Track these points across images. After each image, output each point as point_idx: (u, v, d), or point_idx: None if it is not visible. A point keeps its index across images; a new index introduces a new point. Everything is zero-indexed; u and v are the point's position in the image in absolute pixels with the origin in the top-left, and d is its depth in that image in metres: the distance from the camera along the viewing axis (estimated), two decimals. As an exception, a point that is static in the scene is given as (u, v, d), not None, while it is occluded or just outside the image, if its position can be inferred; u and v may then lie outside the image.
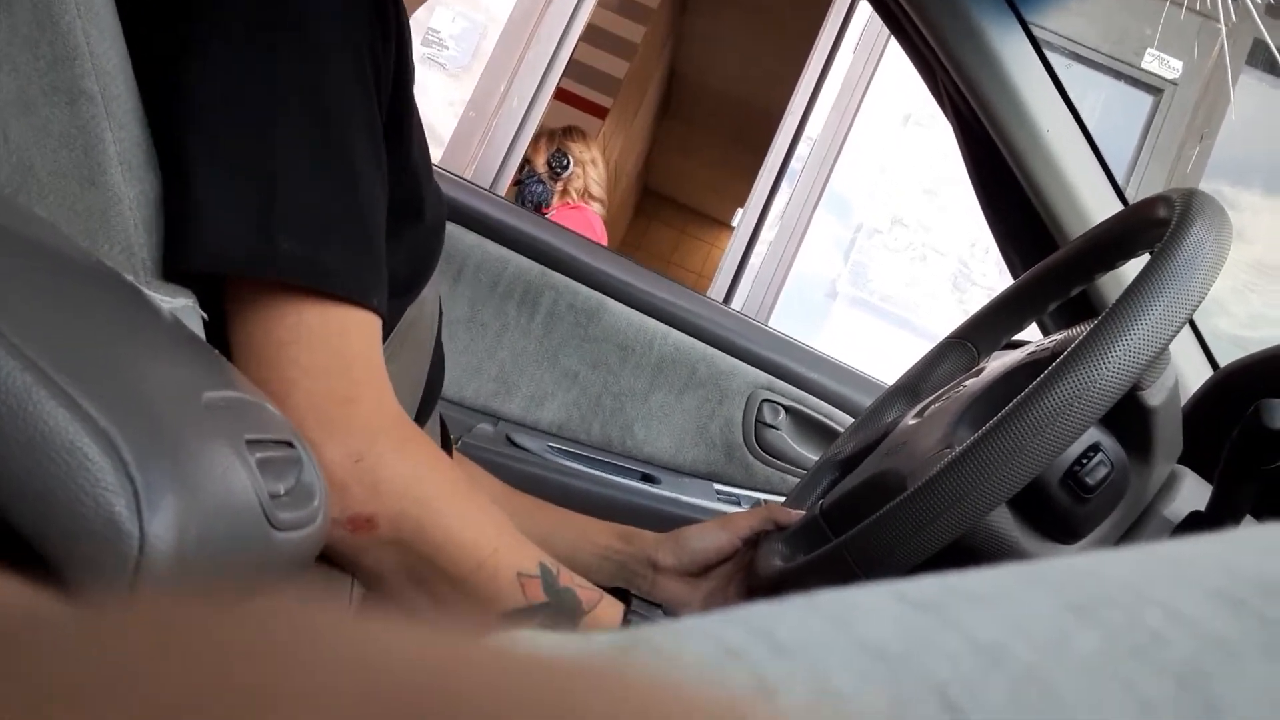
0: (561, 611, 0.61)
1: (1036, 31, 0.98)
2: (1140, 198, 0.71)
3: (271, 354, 0.53)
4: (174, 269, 0.52)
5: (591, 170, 2.86)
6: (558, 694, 0.07)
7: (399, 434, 0.56)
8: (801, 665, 0.12)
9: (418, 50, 3.13)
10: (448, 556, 0.57)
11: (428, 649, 0.08)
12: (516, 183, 2.88)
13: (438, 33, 3.13)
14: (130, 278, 0.48)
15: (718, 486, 1.23)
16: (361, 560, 0.56)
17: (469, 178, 2.34)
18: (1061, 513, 0.62)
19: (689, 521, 1.13)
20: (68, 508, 0.28)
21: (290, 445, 0.41)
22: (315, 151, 0.54)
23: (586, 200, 2.84)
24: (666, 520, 1.12)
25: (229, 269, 0.53)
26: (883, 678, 0.12)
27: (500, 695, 0.07)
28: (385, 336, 0.63)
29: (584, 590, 0.63)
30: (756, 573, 0.74)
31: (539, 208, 2.79)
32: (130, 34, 0.52)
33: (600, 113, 4.78)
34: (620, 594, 0.69)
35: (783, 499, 0.87)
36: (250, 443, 0.37)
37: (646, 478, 1.19)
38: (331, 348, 0.54)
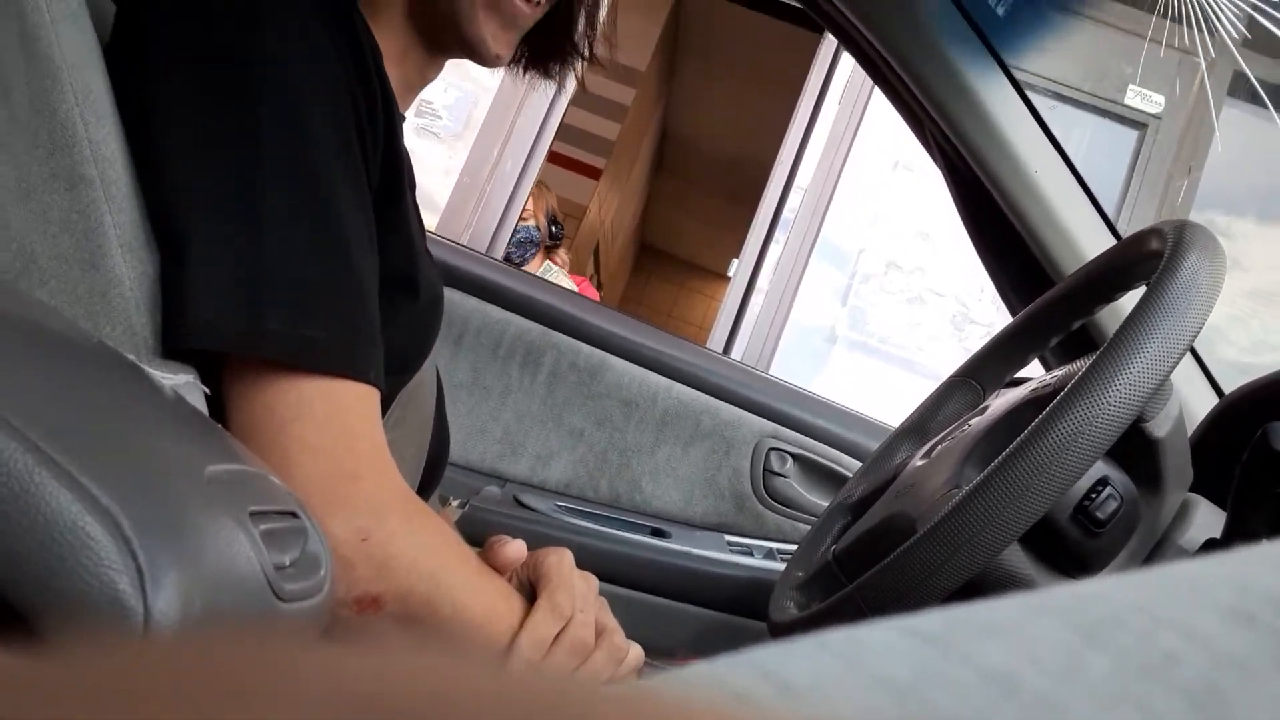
0: None
1: (1018, 74, 1.00)
2: (1132, 231, 0.72)
3: (274, 432, 0.53)
4: (169, 345, 0.53)
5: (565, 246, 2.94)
6: (556, 708, 0.07)
7: (405, 510, 0.55)
8: (810, 704, 0.12)
9: (411, 122, 3.18)
10: (459, 633, 0.56)
11: (419, 672, 0.08)
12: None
13: (431, 103, 3.19)
14: (132, 356, 0.48)
15: (729, 538, 1.22)
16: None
17: (465, 243, 2.36)
18: (1075, 547, 0.61)
19: (702, 575, 1.12)
20: (71, 587, 0.28)
21: (295, 516, 0.41)
22: (303, 226, 0.54)
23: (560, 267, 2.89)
24: (679, 574, 1.11)
25: (218, 347, 0.52)
26: (893, 712, 0.12)
27: (489, 709, 0.07)
28: (385, 410, 0.63)
29: None
30: (772, 620, 0.73)
31: (509, 259, 2.79)
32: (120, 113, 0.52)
33: (594, 173, 4.85)
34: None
35: (795, 547, 0.86)
36: (254, 514, 0.37)
37: (656, 532, 1.18)
38: (334, 425, 0.54)
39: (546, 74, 0.84)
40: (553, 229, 2.87)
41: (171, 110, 0.54)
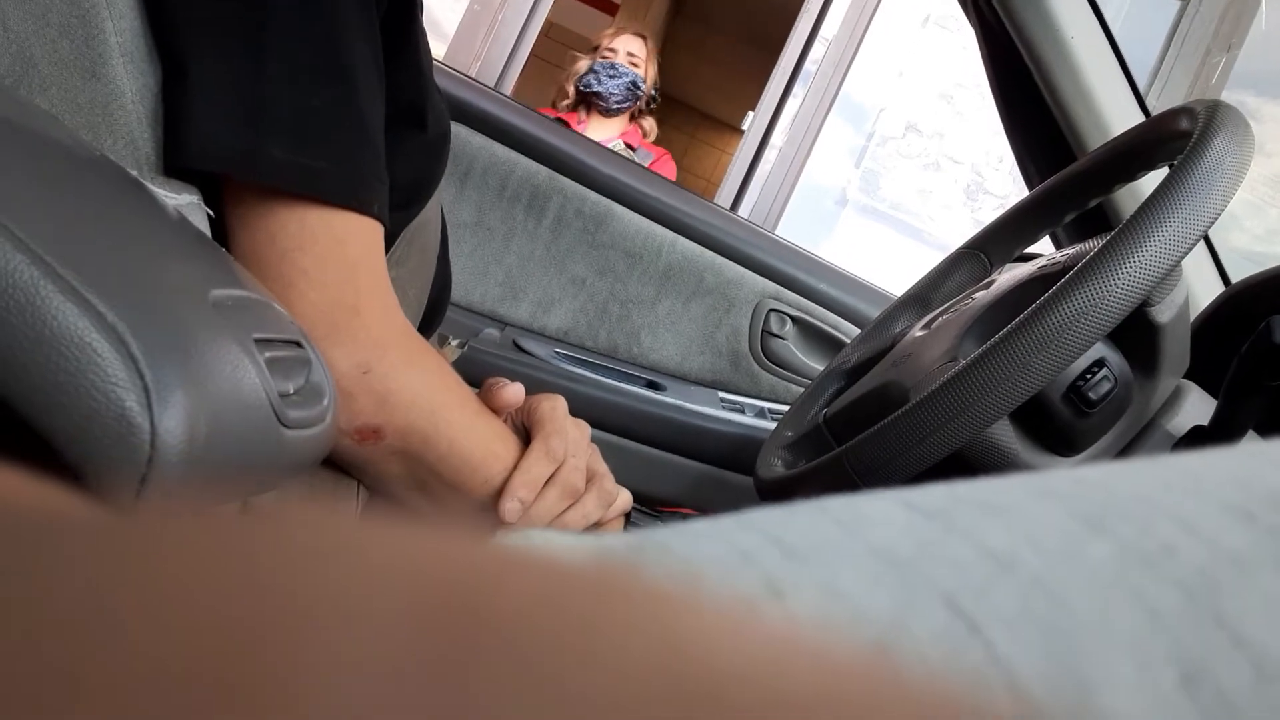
0: None
1: (1066, -70, 0.94)
2: (1163, 108, 0.69)
3: (275, 260, 0.52)
4: (170, 165, 0.51)
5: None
6: (589, 605, 0.07)
7: (406, 346, 0.56)
8: (811, 569, 0.12)
9: (422, -60, 3.01)
10: (454, 469, 0.57)
11: (460, 558, 0.08)
12: (611, 65, 2.59)
13: (443, -78, 3.01)
14: (134, 173, 0.47)
15: (722, 394, 1.24)
16: (367, 467, 0.57)
17: (474, 75, 2.27)
18: (1063, 426, 0.62)
19: (694, 428, 1.15)
20: (79, 403, 0.28)
21: (299, 345, 0.41)
22: (310, 53, 0.52)
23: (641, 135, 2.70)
24: (671, 426, 1.13)
25: (219, 168, 0.51)
26: (891, 583, 0.12)
27: (532, 605, 0.07)
28: (389, 246, 0.63)
29: None
30: (758, 476, 0.75)
31: (596, 98, 2.55)
32: None
33: (610, 8, 4.64)
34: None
35: (788, 407, 0.87)
36: (259, 341, 0.37)
37: (652, 385, 1.20)
38: (335, 256, 0.53)
39: None
40: (654, 92, 2.69)
41: None
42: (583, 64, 2.63)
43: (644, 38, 2.69)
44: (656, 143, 2.78)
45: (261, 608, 0.07)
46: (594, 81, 2.57)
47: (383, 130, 0.57)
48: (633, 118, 2.67)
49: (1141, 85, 0.97)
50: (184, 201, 0.51)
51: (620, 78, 2.57)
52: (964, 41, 3.05)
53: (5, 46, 0.44)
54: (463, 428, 0.58)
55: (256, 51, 0.51)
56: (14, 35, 0.45)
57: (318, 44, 0.53)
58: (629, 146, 2.60)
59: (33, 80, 0.46)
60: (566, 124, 2.47)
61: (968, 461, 0.63)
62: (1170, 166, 0.57)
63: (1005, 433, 0.63)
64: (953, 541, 0.13)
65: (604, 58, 2.61)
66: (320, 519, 0.09)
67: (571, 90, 2.61)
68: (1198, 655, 0.11)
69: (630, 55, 2.61)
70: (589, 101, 2.59)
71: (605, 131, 2.59)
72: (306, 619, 0.07)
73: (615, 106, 2.58)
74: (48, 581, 0.07)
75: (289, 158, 0.51)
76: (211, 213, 0.53)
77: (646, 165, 2.44)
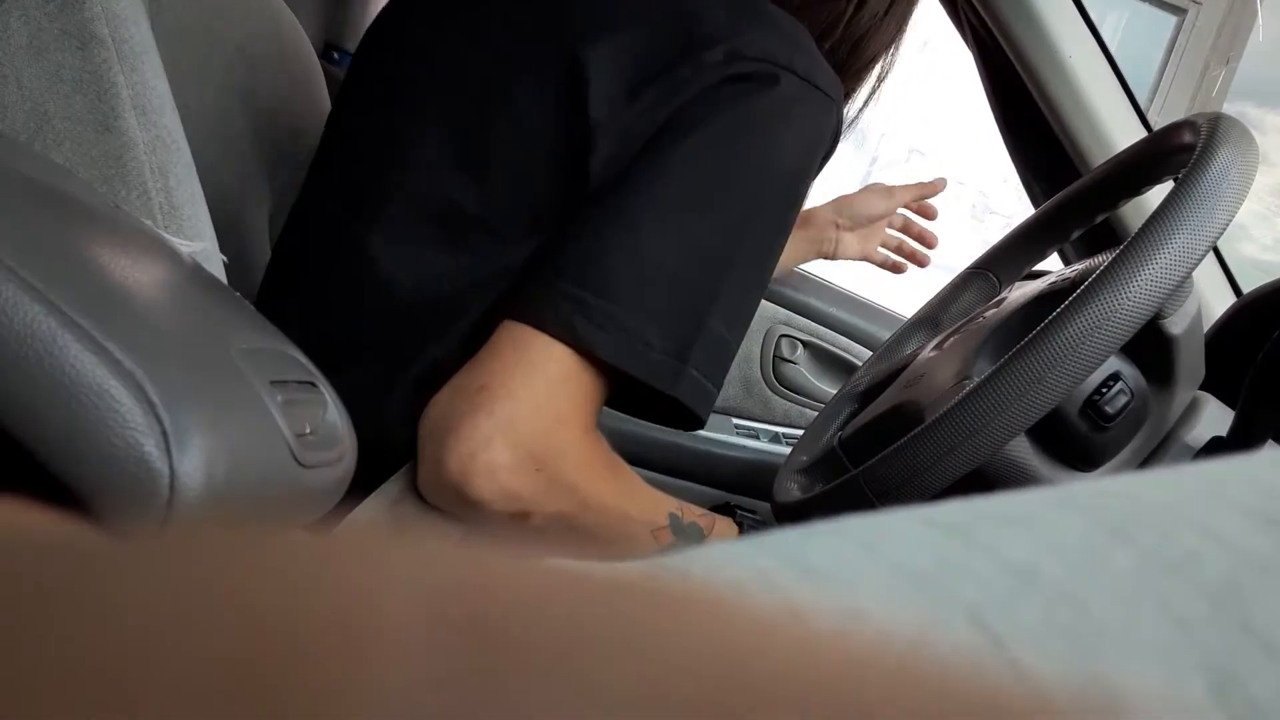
0: (688, 542, 0.66)
1: (1058, -49, 0.95)
2: (1164, 123, 0.70)
3: (553, 381, 0.56)
4: (616, 354, 0.56)
5: None
6: (635, 604, 0.07)
7: (595, 456, 0.61)
8: (832, 589, 0.12)
9: None
10: (592, 536, 0.61)
11: (483, 570, 0.08)
12: None
13: None
14: (148, 222, 0.48)
15: (735, 421, 1.24)
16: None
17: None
18: (1080, 441, 0.62)
19: (708, 455, 1.14)
20: (98, 449, 0.29)
21: (313, 386, 0.42)
22: (746, 303, 0.62)
23: None
24: (684, 454, 1.13)
25: (642, 376, 0.56)
26: (913, 600, 0.12)
27: (548, 609, 0.07)
28: None
29: (703, 518, 0.68)
30: (775, 501, 0.75)
31: None
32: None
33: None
34: (728, 511, 0.75)
35: (801, 433, 0.87)
36: (274, 383, 0.37)
37: (664, 414, 1.19)
38: (594, 399, 0.59)
39: None
40: None
41: (685, 182, 0.58)
42: None
43: None
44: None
45: (301, 619, 0.07)
46: None
47: None
48: None
49: (1142, 101, 0.98)
50: (198, 249, 0.52)
51: None
52: (962, 65, 3.07)
53: (20, 104, 0.45)
54: (610, 506, 0.61)
55: (711, 291, 0.58)
56: (28, 92, 0.45)
57: (750, 295, 0.62)
58: None
59: (47, 136, 0.47)
60: None
61: (987, 480, 0.62)
62: (1175, 180, 0.57)
63: (1024, 449, 0.63)
64: (974, 556, 0.13)
65: None
66: (340, 537, 0.09)
67: None
68: (1226, 663, 0.11)
69: None
70: None
71: None
72: (348, 631, 0.07)
73: None
74: (82, 591, 0.07)
75: (698, 383, 0.59)
76: (226, 259, 0.54)
77: None
